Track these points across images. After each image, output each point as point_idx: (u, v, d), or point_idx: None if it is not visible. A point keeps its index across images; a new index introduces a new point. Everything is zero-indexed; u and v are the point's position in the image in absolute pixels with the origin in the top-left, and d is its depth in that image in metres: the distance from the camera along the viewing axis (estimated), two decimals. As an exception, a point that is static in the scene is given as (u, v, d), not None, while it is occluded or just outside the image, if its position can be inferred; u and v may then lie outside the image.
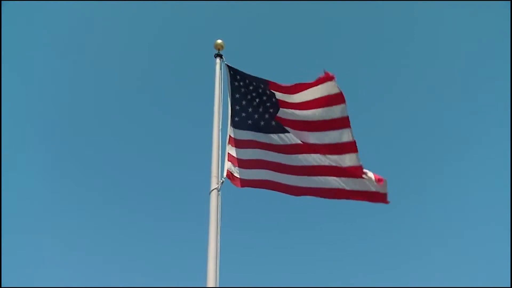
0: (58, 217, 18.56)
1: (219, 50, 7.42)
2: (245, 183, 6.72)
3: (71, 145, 20.34)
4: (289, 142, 6.95)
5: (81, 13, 20.19)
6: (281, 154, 6.91)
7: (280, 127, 7.00)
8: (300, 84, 6.69)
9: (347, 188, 6.44)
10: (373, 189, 6.28)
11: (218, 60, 7.33)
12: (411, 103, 21.97)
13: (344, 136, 6.24)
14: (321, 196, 6.74)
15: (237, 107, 7.07)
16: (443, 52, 21.24)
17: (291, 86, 6.81)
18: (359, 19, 22.35)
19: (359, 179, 6.33)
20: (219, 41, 7.45)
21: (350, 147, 6.24)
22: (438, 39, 21.38)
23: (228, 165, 6.51)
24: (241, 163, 6.76)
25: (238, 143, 6.89)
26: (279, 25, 23.21)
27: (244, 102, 7.13)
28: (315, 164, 6.73)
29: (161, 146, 21.42)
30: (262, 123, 7.03)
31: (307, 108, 6.64)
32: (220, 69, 7.24)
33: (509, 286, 13.90)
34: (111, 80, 21.43)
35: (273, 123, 7.01)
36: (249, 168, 6.82)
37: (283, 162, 6.89)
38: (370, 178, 6.24)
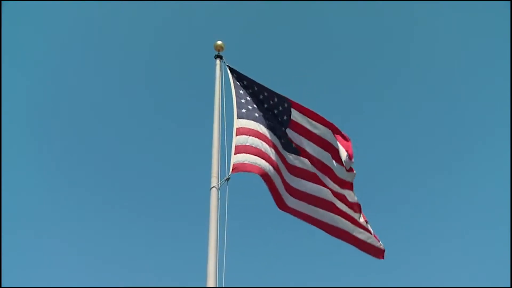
0: (58, 217, 18.61)
1: (219, 51, 7.44)
2: (254, 169, 6.28)
3: (71, 145, 20.37)
4: (291, 163, 6.88)
5: (80, 14, 20.22)
6: (285, 168, 6.76)
7: (286, 144, 6.95)
8: (325, 120, 7.03)
9: (352, 233, 7.01)
10: (373, 242, 7.17)
11: (218, 61, 7.35)
12: (411, 103, 22.02)
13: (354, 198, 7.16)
14: (320, 228, 6.91)
15: (242, 101, 6.92)
16: (443, 52, 21.27)
17: (315, 113, 7.05)
18: (359, 19, 22.38)
19: (365, 231, 7.10)
20: (219, 42, 7.46)
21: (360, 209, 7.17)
22: (438, 39, 21.41)
23: (235, 159, 6.11)
24: (248, 150, 6.38)
25: (245, 132, 6.54)
26: (279, 25, 23.23)
27: (244, 100, 7.00)
28: (325, 198, 6.88)
29: (161, 146, 21.46)
30: (268, 122, 6.87)
31: (326, 149, 7.03)
32: (221, 70, 7.25)
33: (509, 286, 13.91)
34: (111, 80, 21.47)
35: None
36: (255, 155, 6.40)
37: (284, 176, 6.70)
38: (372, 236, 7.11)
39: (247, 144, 6.32)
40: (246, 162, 6.14)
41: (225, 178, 5.97)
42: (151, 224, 19.49)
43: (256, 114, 6.80)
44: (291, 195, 6.69)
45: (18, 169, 18.62)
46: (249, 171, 6.13)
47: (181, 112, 21.86)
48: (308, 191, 6.81)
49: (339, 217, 6.92)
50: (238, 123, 6.49)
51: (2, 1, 16.40)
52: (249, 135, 6.43)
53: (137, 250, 18.47)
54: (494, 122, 19.74)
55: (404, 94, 22.04)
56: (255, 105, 6.96)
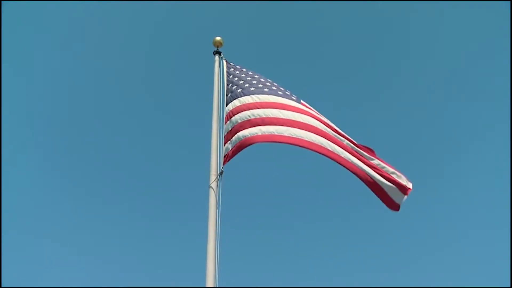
0: (58, 217, 18.57)
1: (218, 47, 7.41)
2: (248, 141, 6.08)
3: (70, 145, 20.37)
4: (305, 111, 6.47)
5: (80, 11, 20.28)
6: (296, 113, 6.36)
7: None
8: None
9: (370, 178, 6.23)
10: (391, 194, 6.28)
11: (217, 57, 7.32)
12: (410, 103, 21.98)
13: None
14: (341, 163, 6.18)
15: (229, 85, 6.85)
16: (443, 52, 21.27)
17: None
18: (359, 18, 22.39)
19: (386, 181, 6.25)
20: (218, 38, 7.42)
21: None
22: (437, 39, 21.41)
23: (225, 150, 6.15)
24: (237, 128, 6.26)
25: (234, 112, 6.42)
26: (278, 22, 23.26)
27: (231, 84, 6.89)
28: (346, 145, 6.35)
29: (160, 144, 21.46)
30: (266, 89, 6.70)
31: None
32: (219, 66, 7.21)
33: (509, 286, 13.89)
34: (110, 78, 21.50)
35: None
36: (245, 128, 6.22)
37: (299, 120, 6.28)
38: (396, 186, 6.22)
39: (235, 124, 6.25)
40: (232, 147, 6.08)
41: (218, 172, 5.96)
42: (150, 224, 19.47)
43: (240, 90, 6.63)
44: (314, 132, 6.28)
45: (18, 169, 18.63)
46: (238, 152, 6.05)
47: (180, 109, 21.88)
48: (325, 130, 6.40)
49: (362, 164, 6.32)
50: (227, 109, 6.45)
51: (2, 1, 16.43)
52: (239, 112, 6.33)
53: (136, 250, 18.46)
54: (494, 122, 19.74)
55: (402, 94, 22.04)
56: (247, 84, 6.80)
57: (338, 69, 23.00)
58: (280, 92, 6.70)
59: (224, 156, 6.09)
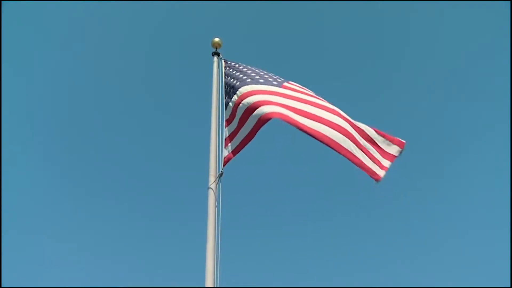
0: (58, 217, 18.58)
1: (216, 48, 7.42)
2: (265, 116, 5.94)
3: (70, 144, 20.39)
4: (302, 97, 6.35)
5: (80, 12, 20.30)
6: (291, 100, 6.21)
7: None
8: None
9: (357, 155, 5.98)
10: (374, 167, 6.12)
11: (215, 58, 7.34)
12: (410, 103, 21.99)
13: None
14: (329, 145, 5.87)
15: (227, 88, 6.87)
16: (443, 52, 21.27)
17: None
18: (359, 18, 22.39)
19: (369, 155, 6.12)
20: (216, 39, 7.44)
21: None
22: (437, 38, 21.41)
23: (225, 152, 6.22)
24: (238, 127, 6.29)
25: (233, 112, 6.44)
26: (278, 23, 23.28)
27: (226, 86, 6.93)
28: (336, 123, 6.10)
29: (160, 144, 21.46)
30: (262, 80, 6.62)
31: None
32: (218, 67, 7.22)
33: (509, 286, 13.89)
34: (109, 79, 21.52)
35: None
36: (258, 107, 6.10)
37: (294, 106, 6.11)
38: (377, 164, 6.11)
39: (235, 122, 6.31)
40: (232, 149, 6.18)
41: (218, 174, 5.98)
42: (150, 224, 19.47)
43: (232, 90, 6.63)
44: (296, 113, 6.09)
45: (18, 169, 18.64)
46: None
47: (180, 110, 21.90)
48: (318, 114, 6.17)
49: (351, 142, 6.07)
50: (226, 113, 6.52)
51: (2, 1, 16.44)
52: (233, 114, 6.36)
53: (136, 250, 18.46)
54: (494, 121, 19.73)
55: (402, 93, 22.05)
56: (235, 80, 6.76)
57: (338, 69, 23.01)
58: (261, 80, 6.61)
59: (225, 158, 6.14)
